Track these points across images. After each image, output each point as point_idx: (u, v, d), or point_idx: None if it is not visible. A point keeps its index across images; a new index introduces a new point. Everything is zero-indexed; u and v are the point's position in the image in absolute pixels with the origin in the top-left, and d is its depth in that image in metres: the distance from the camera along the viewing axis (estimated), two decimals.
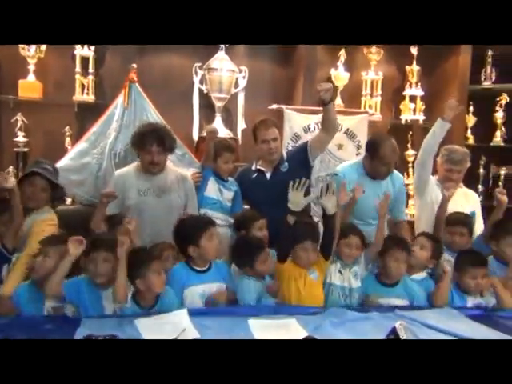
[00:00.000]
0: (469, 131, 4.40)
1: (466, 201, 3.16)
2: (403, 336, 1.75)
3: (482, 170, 4.41)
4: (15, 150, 3.60)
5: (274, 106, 3.89)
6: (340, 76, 4.22)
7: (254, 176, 3.05)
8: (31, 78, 3.62)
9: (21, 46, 3.56)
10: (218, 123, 3.94)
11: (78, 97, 3.65)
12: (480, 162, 4.37)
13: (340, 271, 2.44)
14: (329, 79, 4.13)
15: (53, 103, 3.70)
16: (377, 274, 2.53)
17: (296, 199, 2.40)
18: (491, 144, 4.43)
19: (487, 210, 3.24)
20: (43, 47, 3.62)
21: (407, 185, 3.56)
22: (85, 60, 3.68)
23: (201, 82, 3.96)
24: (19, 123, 3.58)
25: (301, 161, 3.01)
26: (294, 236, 2.35)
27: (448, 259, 2.65)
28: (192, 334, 1.86)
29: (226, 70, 3.89)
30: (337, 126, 3.13)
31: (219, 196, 2.97)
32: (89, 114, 3.60)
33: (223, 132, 3.85)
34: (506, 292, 2.47)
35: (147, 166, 2.79)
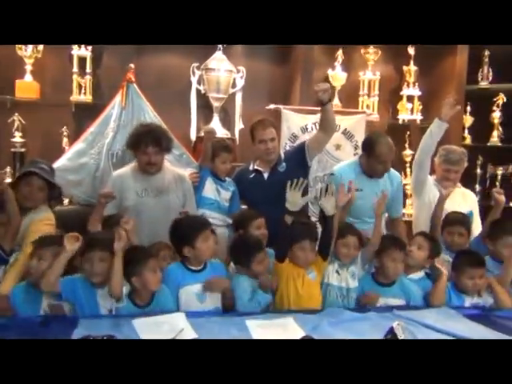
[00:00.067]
0: (466, 131, 4.41)
1: (463, 200, 3.16)
2: (401, 336, 1.75)
3: (479, 170, 4.41)
4: (12, 150, 3.59)
5: (272, 106, 3.89)
6: (337, 76, 4.23)
7: (251, 176, 3.05)
8: (28, 78, 3.61)
9: (18, 46, 3.55)
10: (215, 123, 3.95)
11: (76, 97, 3.65)
12: (477, 162, 4.36)
13: (337, 271, 2.44)
14: (326, 79, 4.14)
15: (50, 103, 3.69)
16: (373, 274, 2.53)
17: (294, 199, 2.40)
18: (488, 144, 4.43)
19: (484, 209, 3.25)
20: (40, 47, 3.62)
21: (404, 185, 3.56)
22: (82, 60, 3.68)
23: (198, 82, 3.97)
24: (16, 123, 3.58)
25: (298, 161, 3.00)
26: (291, 236, 2.35)
27: (447, 259, 2.65)
28: (190, 334, 1.85)
29: (223, 70, 3.89)
30: (335, 126, 3.11)
31: (217, 196, 2.96)
32: (86, 114, 3.59)
33: (221, 132, 3.85)
34: (503, 292, 2.48)
35: (144, 167, 2.79)
